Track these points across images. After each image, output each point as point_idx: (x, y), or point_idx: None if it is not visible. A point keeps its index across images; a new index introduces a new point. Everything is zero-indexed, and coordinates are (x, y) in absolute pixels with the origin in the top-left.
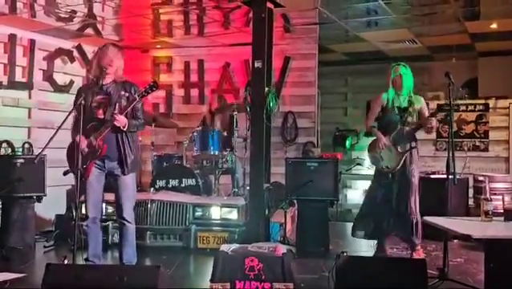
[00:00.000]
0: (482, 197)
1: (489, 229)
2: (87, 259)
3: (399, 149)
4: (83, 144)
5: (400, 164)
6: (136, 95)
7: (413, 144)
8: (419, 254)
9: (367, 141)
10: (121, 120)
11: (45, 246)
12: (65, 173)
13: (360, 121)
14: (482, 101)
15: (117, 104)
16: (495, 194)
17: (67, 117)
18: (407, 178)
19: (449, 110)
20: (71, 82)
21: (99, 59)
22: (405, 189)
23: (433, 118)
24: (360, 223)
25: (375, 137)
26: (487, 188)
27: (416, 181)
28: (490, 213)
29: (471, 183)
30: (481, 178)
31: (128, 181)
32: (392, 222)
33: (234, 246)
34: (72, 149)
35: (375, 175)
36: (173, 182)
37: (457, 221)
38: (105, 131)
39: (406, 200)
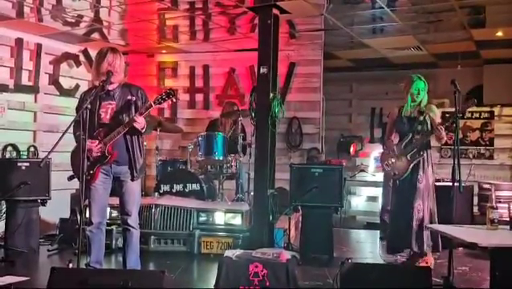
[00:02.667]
0: (488, 205)
1: (495, 237)
2: (88, 264)
3: (408, 157)
4: (96, 148)
5: (408, 172)
6: (152, 102)
7: (423, 152)
8: (426, 261)
9: (371, 148)
10: (142, 122)
11: (49, 250)
12: (70, 178)
13: (365, 128)
14: (487, 108)
15: (126, 110)
16: (500, 202)
17: (73, 121)
18: (414, 185)
19: (454, 117)
20: (77, 86)
21: (97, 65)
22: (412, 197)
23: (441, 127)
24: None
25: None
26: (493, 196)
27: (423, 188)
28: (496, 221)
29: (476, 191)
30: (486, 186)
31: (134, 187)
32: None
33: (238, 251)
34: (77, 154)
35: (392, 183)
36: (178, 187)
37: (462, 229)
38: (117, 136)
39: (412, 207)
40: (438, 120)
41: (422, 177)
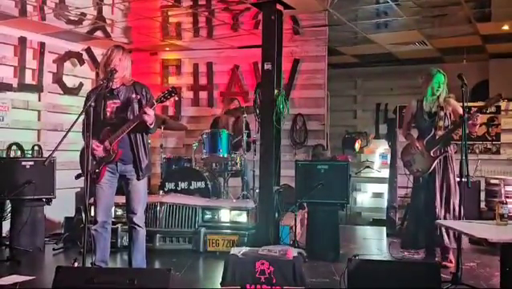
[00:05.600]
0: (497, 200)
1: (505, 232)
2: (93, 263)
3: (431, 154)
4: (99, 148)
5: (432, 169)
6: (154, 101)
7: (447, 149)
8: (449, 263)
9: (376, 144)
10: (151, 114)
11: (54, 249)
12: (77, 177)
13: (370, 124)
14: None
15: (130, 107)
16: (509, 197)
17: (76, 120)
18: (439, 182)
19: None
20: (81, 84)
21: (105, 62)
22: (437, 193)
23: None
24: (407, 235)
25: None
26: (502, 191)
27: (449, 184)
28: (506, 216)
29: (483, 186)
30: (494, 181)
31: (140, 185)
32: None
33: (244, 249)
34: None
35: (414, 180)
36: (182, 185)
37: (471, 225)
38: (123, 133)
39: (437, 204)
40: (460, 111)
41: (447, 173)
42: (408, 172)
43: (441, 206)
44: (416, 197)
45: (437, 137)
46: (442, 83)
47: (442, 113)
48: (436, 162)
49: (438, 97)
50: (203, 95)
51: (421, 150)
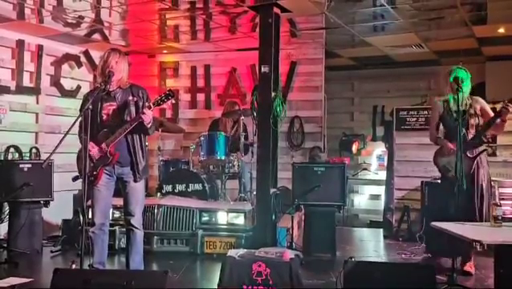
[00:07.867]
0: (492, 202)
1: (499, 234)
2: (91, 265)
3: (468, 154)
4: (95, 150)
5: (471, 170)
6: (151, 104)
7: (481, 147)
8: (471, 265)
9: (373, 146)
10: (149, 115)
11: (52, 251)
12: (74, 179)
13: (367, 126)
14: (490, 105)
15: (126, 110)
16: (504, 199)
17: (74, 122)
18: (477, 184)
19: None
20: (78, 87)
21: (102, 66)
22: (475, 196)
23: (500, 116)
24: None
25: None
26: (496, 193)
27: (485, 186)
28: (500, 218)
29: None
30: None
31: (138, 187)
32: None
33: (242, 251)
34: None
35: (441, 184)
36: (180, 187)
37: (466, 227)
38: (119, 137)
39: (477, 207)
40: (489, 110)
41: (484, 175)
42: (443, 177)
43: (478, 210)
44: (448, 202)
45: (470, 136)
46: (465, 79)
47: (472, 110)
48: (475, 162)
49: (463, 94)
50: (200, 97)
51: (456, 152)
